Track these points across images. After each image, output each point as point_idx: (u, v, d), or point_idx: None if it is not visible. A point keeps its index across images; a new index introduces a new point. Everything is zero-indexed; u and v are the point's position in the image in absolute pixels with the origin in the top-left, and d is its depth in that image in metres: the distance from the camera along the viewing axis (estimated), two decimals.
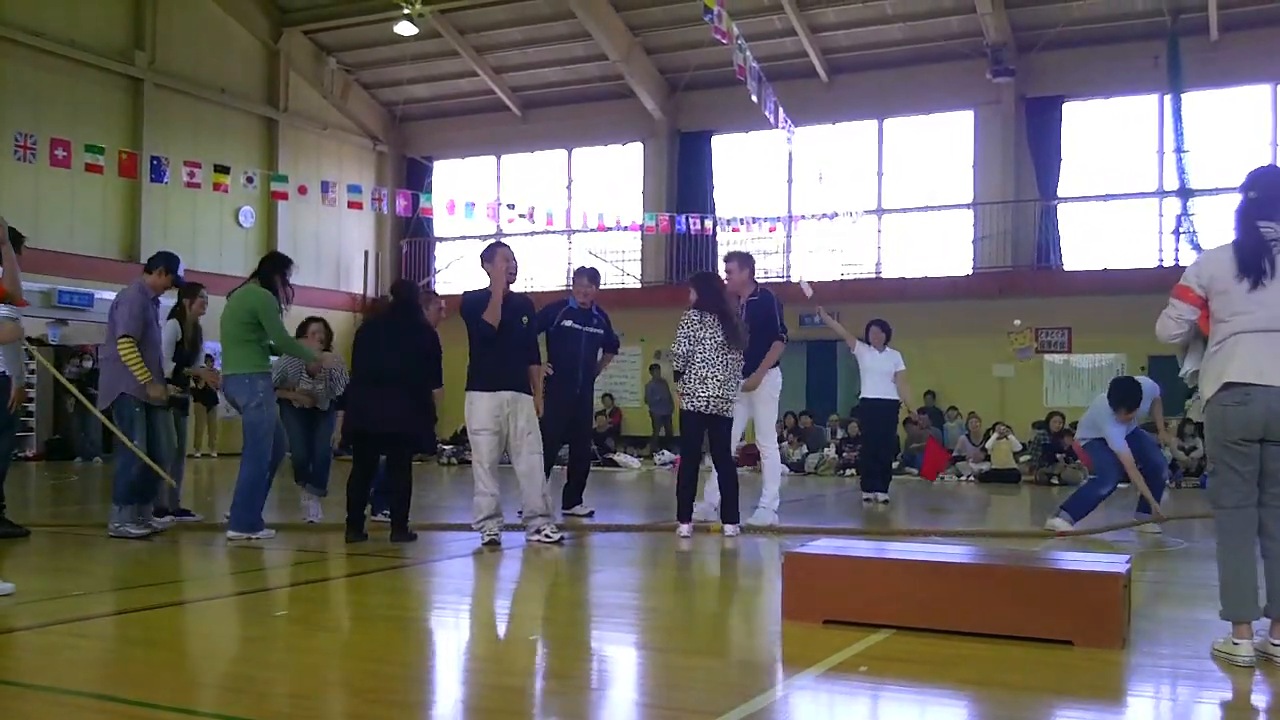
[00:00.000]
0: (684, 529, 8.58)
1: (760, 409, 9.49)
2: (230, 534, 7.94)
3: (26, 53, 18.50)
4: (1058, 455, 16.60)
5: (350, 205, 19.47)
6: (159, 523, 8.46)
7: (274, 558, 7.53)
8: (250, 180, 18.28)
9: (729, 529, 8.65)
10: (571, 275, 10.00)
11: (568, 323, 9.87)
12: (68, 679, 4.15)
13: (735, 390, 8.73)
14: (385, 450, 8.25)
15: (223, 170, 17.20)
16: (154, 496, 8.39)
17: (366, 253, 24.97)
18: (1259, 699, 4.19)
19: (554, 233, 23.12)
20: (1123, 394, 9.12)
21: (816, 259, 21.76)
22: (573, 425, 9.94)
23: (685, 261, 21.43)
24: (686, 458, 9.07)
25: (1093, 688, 4.14)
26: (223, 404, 9.78)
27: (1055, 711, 3.90)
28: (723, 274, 9.41)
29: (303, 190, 18.83)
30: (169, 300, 8.74)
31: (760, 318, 9.35)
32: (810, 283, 13.20)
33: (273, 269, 8.20)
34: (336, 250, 24.39)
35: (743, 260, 9.64)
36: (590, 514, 9.88)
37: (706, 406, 8.57)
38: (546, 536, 7.96)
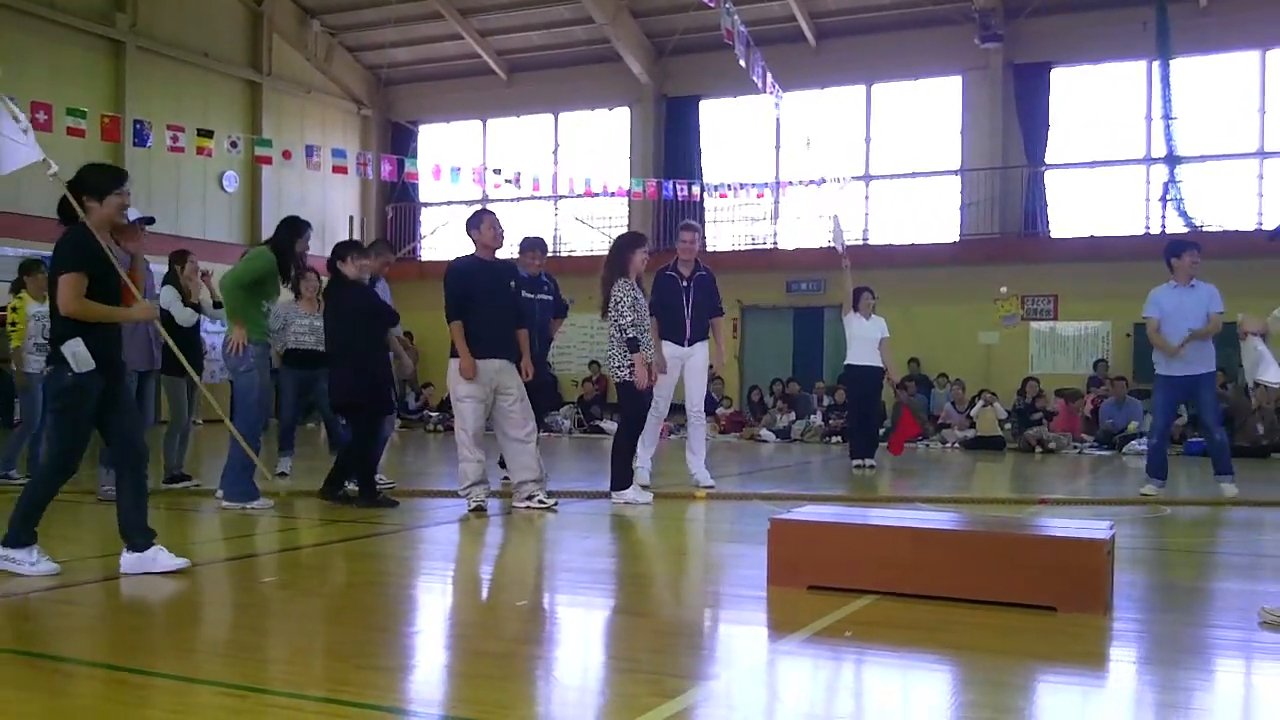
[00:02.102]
0: (627, 495, 8.64)
1: (693, 381, 9.68)
2: (224, 504, 7.98)
3: (6, 14, 18.27)
4: (1032, 418, 16.64)
5: (335, 170, 19.30)
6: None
7: (261, 524, 7.52)
8: (234, 144, 18.10)
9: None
10: (519, 246, 9.92)
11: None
12: (58, 646, 4.15)
13: (610, 359, 8.76)
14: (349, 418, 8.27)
15: (206, 134, 17.03)
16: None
17: (351, 218, 24.84)
18: (1243, 665, 4.22)
19: (540, 198, 23.02)
20: None
21: (803, 225, 21.72)
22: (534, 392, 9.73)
23: (672, 227, 21.32)
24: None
25: (1076, 653, 4.18)
26: (216, 367, 9.87)
27: (1039, 676, 3.94)
28: (682, 241, 9.78)
29: (287, 155, 18.67)
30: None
31: (706, 293, 9.78)
32: (844, 241, 13.27)
33: (290, 234, 8.15)
34: (321, 215, 24.21)
35: (699, 232, 10.05)
36: None
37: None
38: (540, 502, 7.99)
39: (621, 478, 8.65)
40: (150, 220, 8.54)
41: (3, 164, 5.63)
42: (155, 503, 8.23)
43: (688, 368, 9.62)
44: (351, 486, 8.56)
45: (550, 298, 9.88)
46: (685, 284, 9.66)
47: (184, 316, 8.93)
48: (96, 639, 4.31)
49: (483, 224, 8.04)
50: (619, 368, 8.59)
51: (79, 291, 5.16)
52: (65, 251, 5.22)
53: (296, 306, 9.92)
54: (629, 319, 8.49)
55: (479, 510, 7.80)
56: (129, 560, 5.36)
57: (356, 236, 24.53)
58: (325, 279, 8.64)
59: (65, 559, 5.46)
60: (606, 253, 8.94)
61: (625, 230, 22.16)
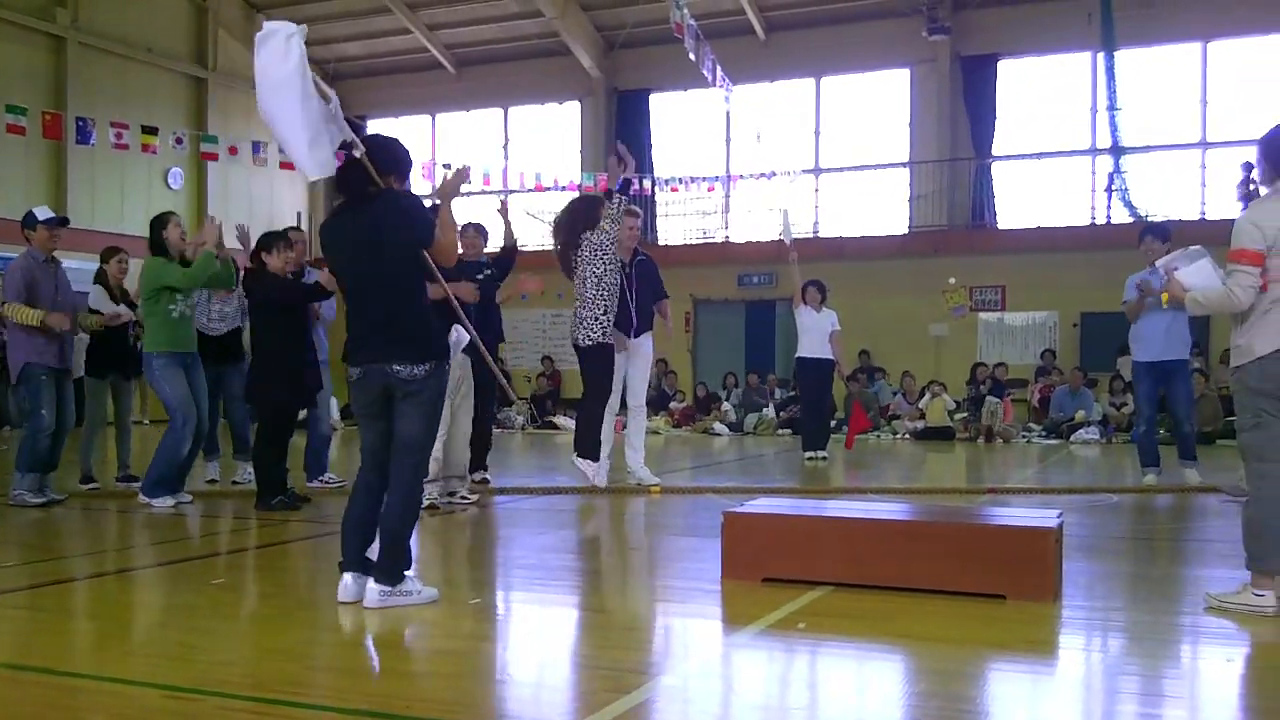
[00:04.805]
0: (589, 467, 8.66)
1: (638, 372, 9.36)
2: (141, 498, 8.03)
3: None
4: (990, 397, 16.71)
5: (282, 166, 19.12)
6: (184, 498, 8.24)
7: (201, 525, 7.46)
8: (179, 141, 17.95)
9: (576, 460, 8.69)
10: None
11: None
12: (4, 652, 4.09)
13: (579, 318, 8.62)
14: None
15: (151, 131, 16.86)
16: (54, 468, 8.29)
17: (299, 214, 24.59)
18: (1190, 650, 4.29)
19: (491, 193, 22.87)
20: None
21: (754, 219, 21.78)
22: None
23: None
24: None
25: (1025, 640, 4.22)
26: None
27: (989, 664, 3.98)
28: (628, 228, 9.15)
29: (233, 151, 18.48)
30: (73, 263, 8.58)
31: (648, 279, 9.44)
32: (792, 235, 12.98)
33: (153, 233, 8.17)
34: (269, 211, 23.99)
35: (641, 216, 9.54)
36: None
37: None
38: (464, 498, 8.07)
39: (590, 446, 8.56)
40: (64, 221, 8.43)
41: (328, 163, 4.83)
42: (96, 502, 8.16)
43: (633, 359, 9.22)
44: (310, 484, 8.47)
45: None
46: (628, 271, 9.15)
47: (90, 322, 8.82)
48: (38, 644, 4.24)
49: (467, 233, 7.95)
50: (590, 331, 8.48)
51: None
52: (426, 218, 4.83)
53: (206, 294, 9.06)
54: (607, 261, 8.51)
55: (431, 508, 7.77)
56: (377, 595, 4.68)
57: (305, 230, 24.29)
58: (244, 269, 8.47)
59: (11, 563, 5.37)
60: (565, 215, 8.72)
61: None
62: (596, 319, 8.58)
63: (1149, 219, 18.52)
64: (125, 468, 9.13)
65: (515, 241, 9.25)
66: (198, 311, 8.75)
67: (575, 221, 8.62)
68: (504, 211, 9.22)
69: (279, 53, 4.54)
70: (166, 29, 21.88)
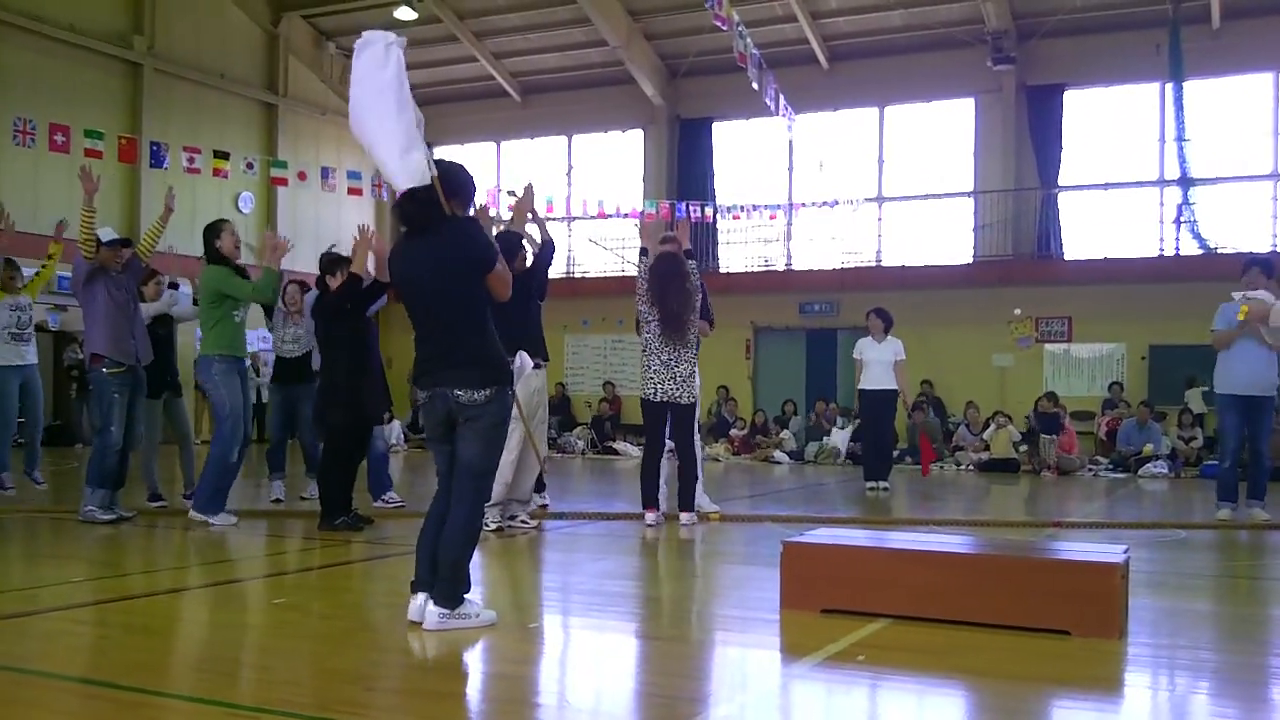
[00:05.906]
0: (650, 517, 8.52)
1: None
2: (191, 514, 8.12)
3: (26, 37, 18.44)
4: (1043, 435, 16.42)
5: (350, 192, 19.45)
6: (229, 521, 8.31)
7: (264, 544, 7.54)
8: (250, 166, 18.27)
9: (683, 517, 8.59)
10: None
11: None
12: (69, 665, 4.15)
13: (680, 377, 8.50)
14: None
15: (222, 156, 17.20)
16: (122, 484, 8.39)
17: None
18: (1259, 691, 4.19)
19: (554, 220, 23.05)
20: None
21: (816, 247, 21.74)
22: None
23: None
24: (646, 447, 9.02)
25: (1090, 677, 4.15)
26: None
27: (1053, 701, 3.91)
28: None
29: (302, 176, 18.82)
30: None
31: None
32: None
33: (208, 242, 8.36)
34: (336, 236, 24.15)
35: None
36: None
37: (655, 394, 8.58)
38: (523, 522, 8.08)
39: (644, 496, 8.56)
40: (127, 242, 8.66)
41: (422, 171, 4.68)
42: (163, 520, 8.28)
43: None
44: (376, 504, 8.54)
45: None
46: None
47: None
48: (104, 659, 4.31)
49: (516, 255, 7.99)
50: (694, 388, 8.59)
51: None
52: (489, 243, 4.91)
53: (281, 317, 9.64)
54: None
55: (498, 530, 7.82)
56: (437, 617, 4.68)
57: (371, 259, 24.54)
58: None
59: (78, 579, 5.47)
60: (675, 283, 8.44)
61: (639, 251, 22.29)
62: (695, 375, 8.67)
63: (1218, 251, 18.25)
64: (191, 485, 9.27)
65: (550, 239, 8.72)
66: (274, 335, 9.13)
67: (686, 282, 8.46)
68: (527, 198, 8.22)
69: (378, 60, 4.60)
70: (239, 56, 22.32)
